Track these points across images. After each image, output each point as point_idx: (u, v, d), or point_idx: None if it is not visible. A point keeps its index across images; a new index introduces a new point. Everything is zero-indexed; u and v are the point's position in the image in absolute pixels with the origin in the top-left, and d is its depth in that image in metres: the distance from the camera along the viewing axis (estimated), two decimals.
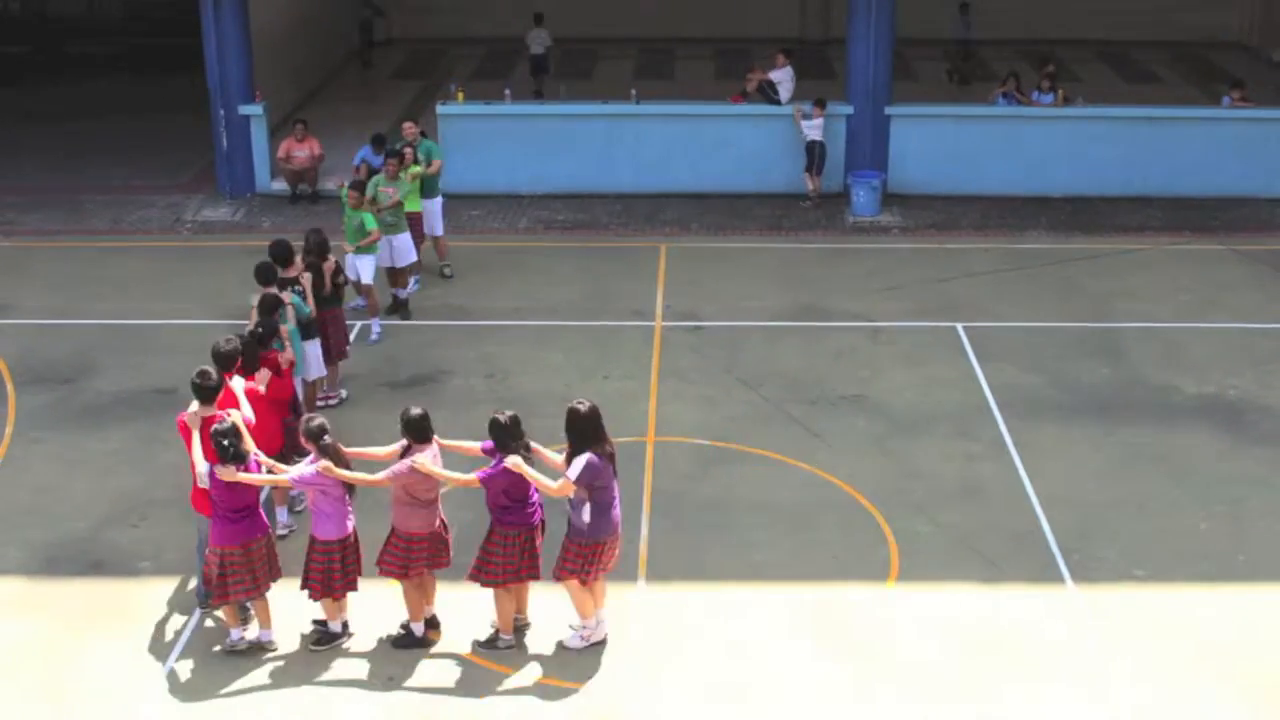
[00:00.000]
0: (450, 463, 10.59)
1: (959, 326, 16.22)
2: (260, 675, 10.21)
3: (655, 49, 29.58)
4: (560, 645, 10.45)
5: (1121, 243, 19.05)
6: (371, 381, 14.85)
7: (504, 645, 10.43)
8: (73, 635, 10.63)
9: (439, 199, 17.44)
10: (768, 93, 20.76)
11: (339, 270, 14.12)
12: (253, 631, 10.50)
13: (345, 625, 10.55)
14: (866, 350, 15.63)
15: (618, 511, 10.24)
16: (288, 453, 11.32)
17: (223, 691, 10.04)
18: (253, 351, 11.33)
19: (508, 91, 21.62)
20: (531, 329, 16.18)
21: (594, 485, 9.97)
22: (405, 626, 10.53)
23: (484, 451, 10.27)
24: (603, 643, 10.45)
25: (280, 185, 20.86)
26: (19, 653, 10.44)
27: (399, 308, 16.49)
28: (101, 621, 10.80)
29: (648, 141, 20.98)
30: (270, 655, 10.38)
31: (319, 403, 13.71)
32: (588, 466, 9.86)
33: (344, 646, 10.46)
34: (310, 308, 13.16)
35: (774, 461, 13.19)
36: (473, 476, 10.06)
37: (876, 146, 20.68)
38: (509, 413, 10.12)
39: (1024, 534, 12.03)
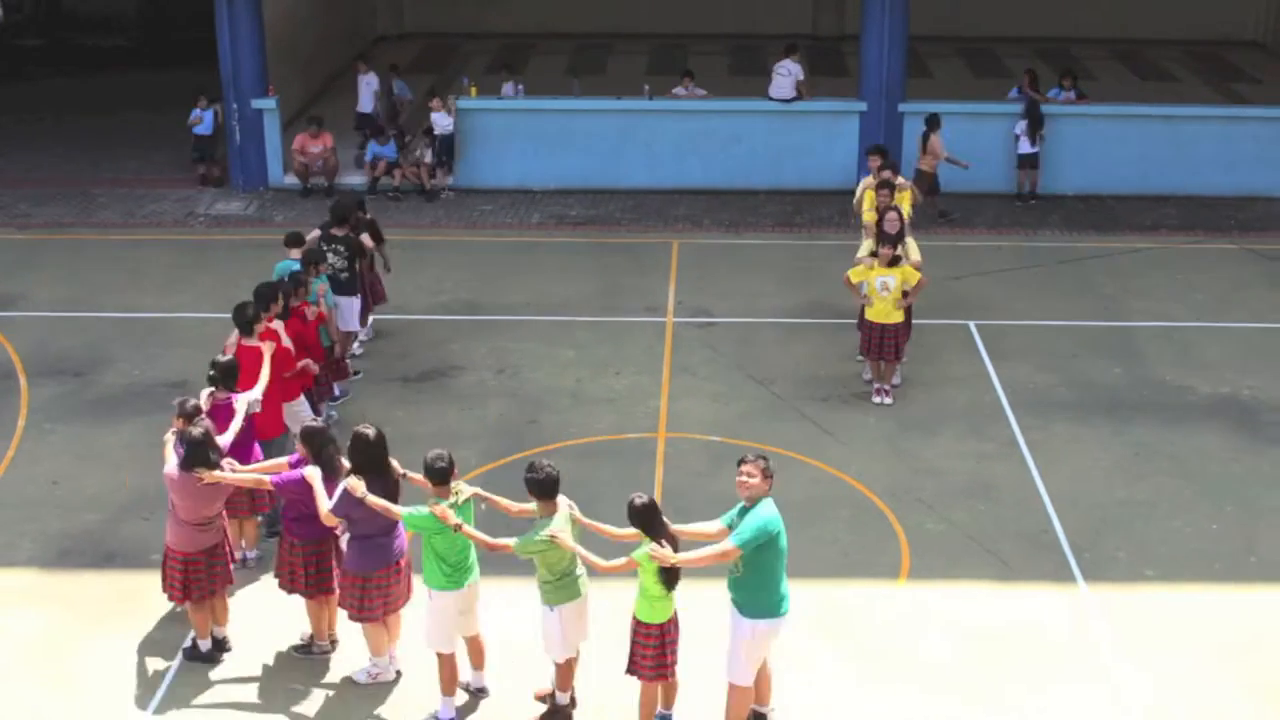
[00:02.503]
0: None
1: (971, 324, 16.19)
2: (267, 671, 10.24)
3: (668, 45, 29.57)
4: (348, 679, 10.08)
5: (1135, 241, 18.99)
6: (383, 376, 14.86)
7: (318, 651, 10.31)
8: (85, 627, 10.67)
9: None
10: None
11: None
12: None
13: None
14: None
15: (396, 546, 9.71)
16: (322, 389, 13.04)
17: (232, 684, 10.07)
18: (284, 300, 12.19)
19: (520, 87, 21.61)
20: (543, 324, 16.18)
21: (350, 517, 9.54)
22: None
23: (290, 465, 10.00)
24: (393, 682, 10.03)
25: (293, 180, 20.89)
26: (32, 644, 10.47)
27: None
28: (114, 613, 10.83)
29: (660, 137, 20.98)
30: (278, 651, 10.40)
31: (357, 351, 14.97)
32: (342, 498, 9.46)
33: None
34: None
35: (785, 458, 13.15)
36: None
37: (890, 143, 20.59)
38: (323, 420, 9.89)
39: (1035, 533, 12.01)
